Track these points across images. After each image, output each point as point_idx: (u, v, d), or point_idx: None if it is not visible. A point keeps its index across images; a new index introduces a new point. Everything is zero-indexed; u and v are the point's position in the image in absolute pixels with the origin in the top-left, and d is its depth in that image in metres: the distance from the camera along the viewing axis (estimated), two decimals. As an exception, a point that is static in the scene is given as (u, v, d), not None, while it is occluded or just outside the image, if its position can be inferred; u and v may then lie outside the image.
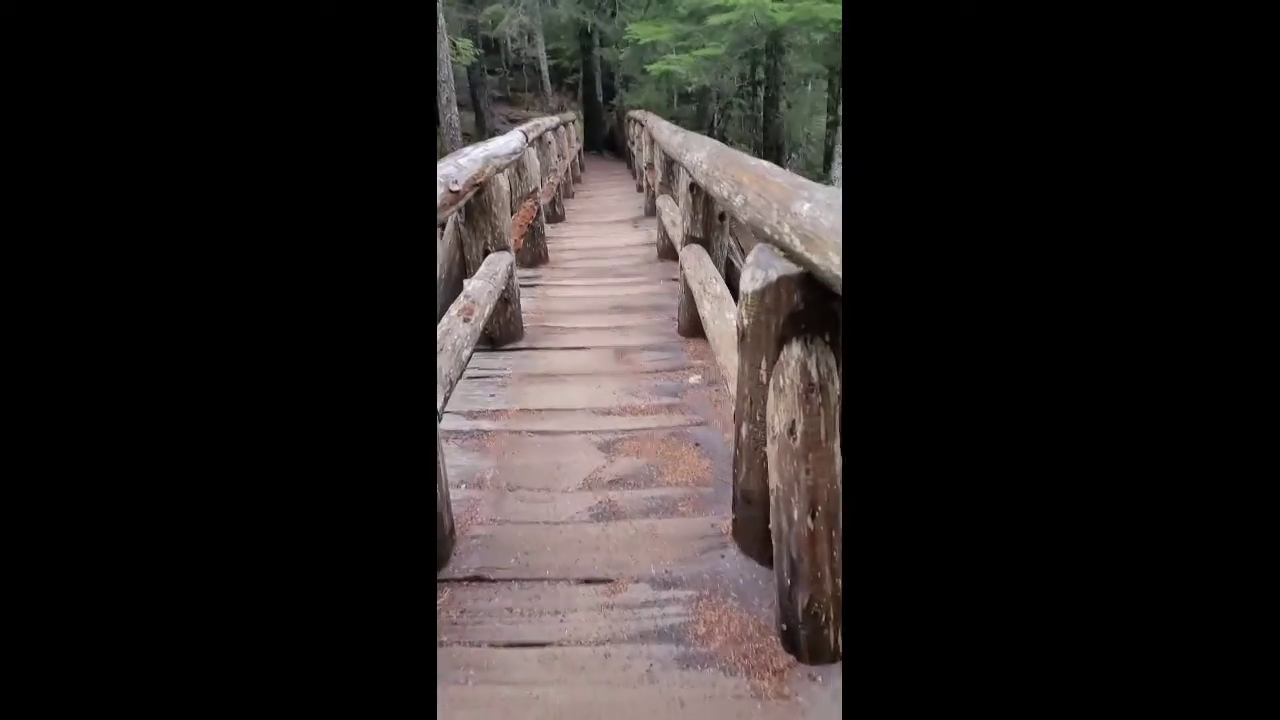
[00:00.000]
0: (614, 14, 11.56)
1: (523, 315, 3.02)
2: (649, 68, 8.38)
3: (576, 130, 10.04)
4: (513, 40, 15.23)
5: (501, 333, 2.81)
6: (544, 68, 15.37)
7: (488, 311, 2.27)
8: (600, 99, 14.56)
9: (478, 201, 2.62)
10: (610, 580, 1.47)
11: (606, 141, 14.20)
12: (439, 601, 1.42)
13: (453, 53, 8.65)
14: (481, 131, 11.68)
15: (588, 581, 1.47)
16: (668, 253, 4.13)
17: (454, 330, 1.86)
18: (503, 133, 3.66)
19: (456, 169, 2.02)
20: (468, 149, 2.56)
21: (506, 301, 2.76)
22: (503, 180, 2.79)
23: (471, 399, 2.38)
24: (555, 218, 5.71)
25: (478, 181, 2.29)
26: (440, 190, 1.76)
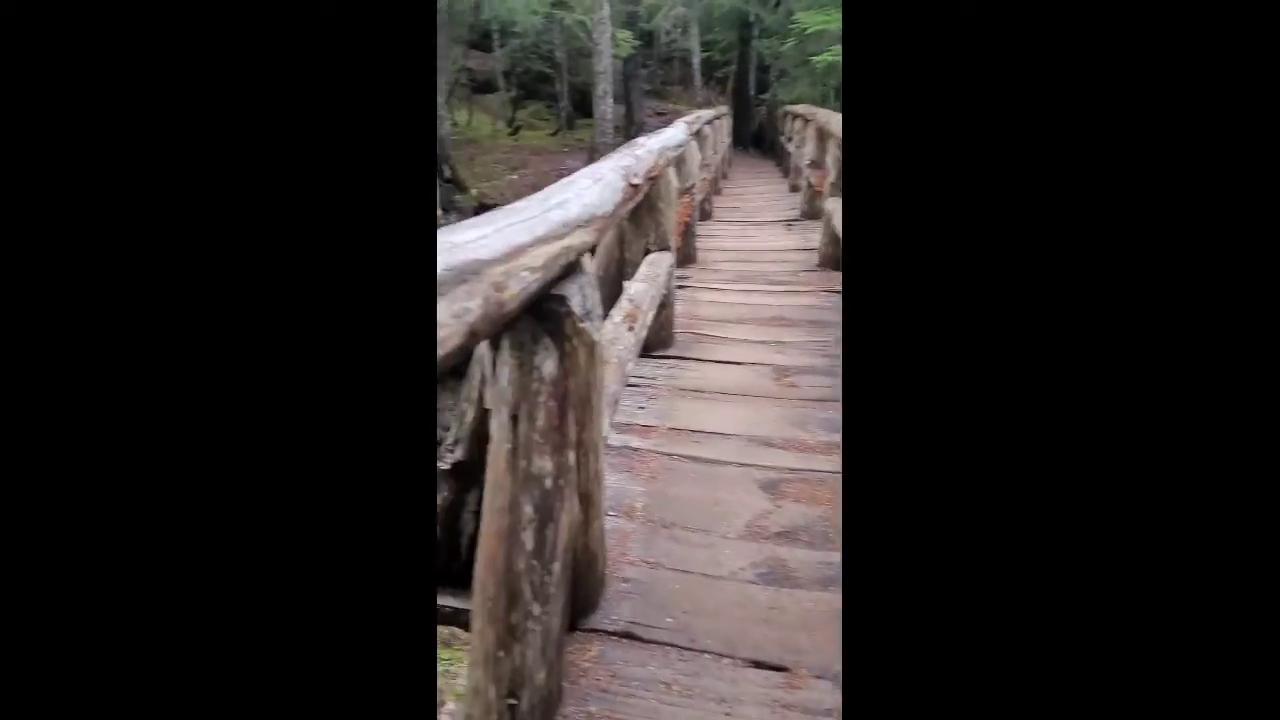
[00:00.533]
0: (778, 3, 11.10)
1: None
2: (815, 59, 7.91)
3: (727, 126, 9.78)
4: (667, 32, 15.20)
5: (653, 338, 2.63)
6: (696, 60, 15.18)
7: (649, 318, 2.09)
8: (750, 94, 14.12)
9: (644, 197, 2.45)
10: (786, 669, 1.22)
11: (754, 138, 13.76)
12: (588, 655, 1.25)
13: (612, 45, 8.68)
14: (630, 125, 11.73)
15: (757, 665, 1.23)
16: (831, 261, 3.76)
17: (620, 339, 1.69)
18: (650, 127, 3.49)
19: (635, 160, 1.84)
20: (641, 140, 2.38)
21: (663, 305, 2.57)
22: (671, 175, 2.60)
23: (619, 409, 2.21)
24: (703, 215, 5.49)
25: (652, 175, 2.11)
26: (621, 184, 1.58)
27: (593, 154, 8.68)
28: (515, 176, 9.25)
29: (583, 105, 12.46)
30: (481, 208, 9.11)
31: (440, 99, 8.95)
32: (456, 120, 10.91)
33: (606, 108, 8.12)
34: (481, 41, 14.11)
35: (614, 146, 9.59)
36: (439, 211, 8.82)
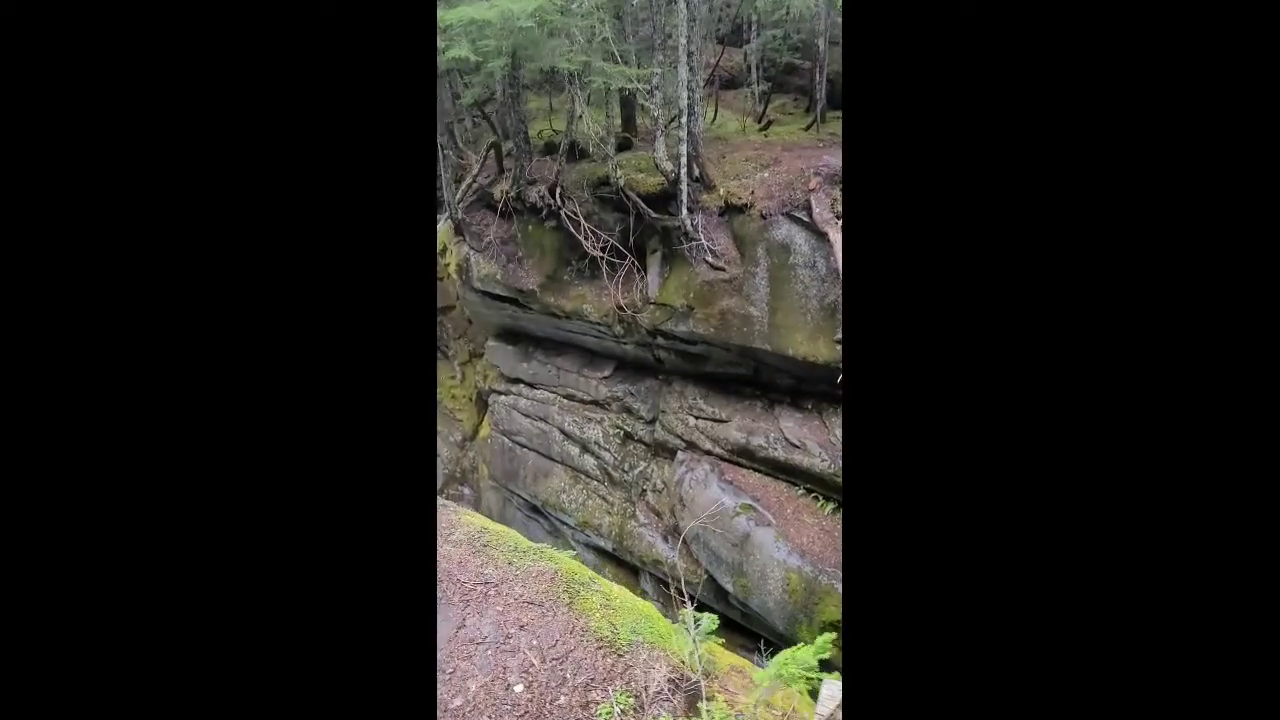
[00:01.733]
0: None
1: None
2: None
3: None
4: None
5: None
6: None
7: None
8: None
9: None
10: None
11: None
12: None
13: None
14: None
15: None
16: None
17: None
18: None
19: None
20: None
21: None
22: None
23: None
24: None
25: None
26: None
27: (859, 149, 7.84)
28: (766, 174, 8.77)
29: (832, 97, 11.60)
30: (728, 208, 8.78)
31: (697, 94, 8.79)
32: (705, 117, 10.76)
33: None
34: (731, 36, 13.88)
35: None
36: (684, 211, 8.68)
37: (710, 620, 3.85)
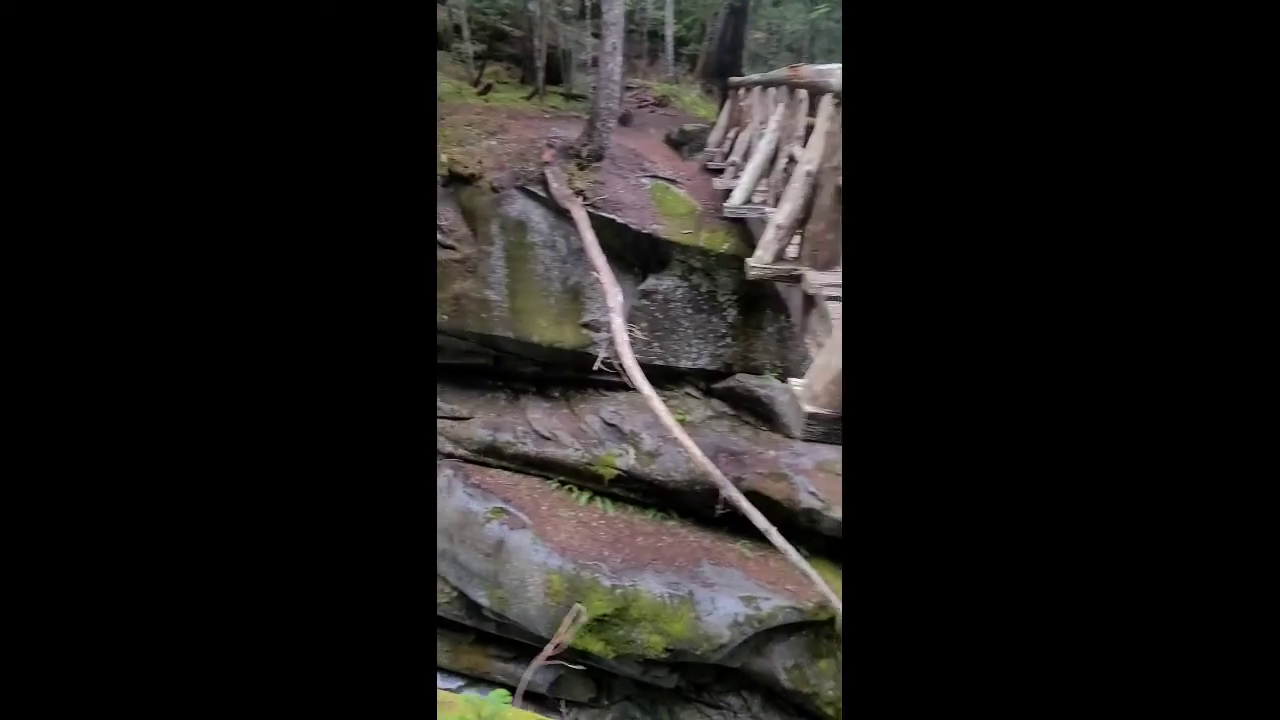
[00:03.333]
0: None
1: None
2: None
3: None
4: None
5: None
6: (669, 33, 14.09)
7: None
8: (738, 74, 13.22)
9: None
10: None
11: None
12: None
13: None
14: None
15: None
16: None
17: None
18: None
19: None
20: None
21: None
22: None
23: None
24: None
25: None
26: None
27: (594, 121, 7.48)
28: (494, 142, 7.89)
29: (551, 70, 11.14)
30: (453, 177, 7.70)
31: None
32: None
33: (615, 66, 6.86)
34: (431, -12, 12.38)
35: (619, 115, 8.38)
36: (400, 178, 7.33)
37: (499, 696, 3.29)
